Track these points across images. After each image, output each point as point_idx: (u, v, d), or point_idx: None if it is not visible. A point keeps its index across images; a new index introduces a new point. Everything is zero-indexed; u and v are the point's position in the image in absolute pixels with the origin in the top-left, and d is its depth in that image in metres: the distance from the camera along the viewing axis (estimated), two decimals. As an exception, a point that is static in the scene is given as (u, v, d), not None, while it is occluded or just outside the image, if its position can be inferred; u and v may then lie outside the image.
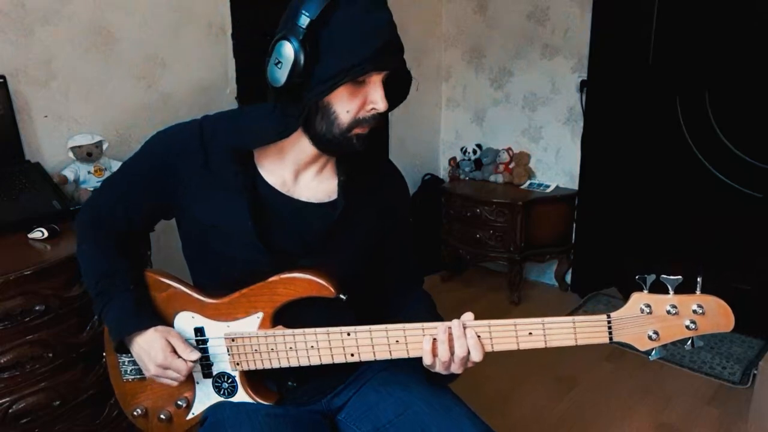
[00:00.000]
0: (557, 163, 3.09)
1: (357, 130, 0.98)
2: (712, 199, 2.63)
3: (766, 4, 2.38)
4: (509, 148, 3.20)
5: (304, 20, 0.89)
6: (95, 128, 1.96)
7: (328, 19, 0.89)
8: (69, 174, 1.83)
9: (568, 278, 3.15)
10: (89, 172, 1.86)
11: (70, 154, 1.86)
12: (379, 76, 0.95)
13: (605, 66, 2.78)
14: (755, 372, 2.06)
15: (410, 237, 1.21)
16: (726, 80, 2.52)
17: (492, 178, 3.18)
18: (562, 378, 2.34)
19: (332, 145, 0.99)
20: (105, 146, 1.91)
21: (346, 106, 0.96)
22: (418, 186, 3.38)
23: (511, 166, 3.17)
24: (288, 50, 0.90)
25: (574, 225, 3.05)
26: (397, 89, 1.02)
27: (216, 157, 1.03)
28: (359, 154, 1.02)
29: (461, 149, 3.32)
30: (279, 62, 0.91)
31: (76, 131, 1.91)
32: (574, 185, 3.02)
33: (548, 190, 3.00)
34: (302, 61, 0.90)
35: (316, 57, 0.91)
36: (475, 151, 3.25)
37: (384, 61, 0.93)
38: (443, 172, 3.52)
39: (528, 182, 3.10)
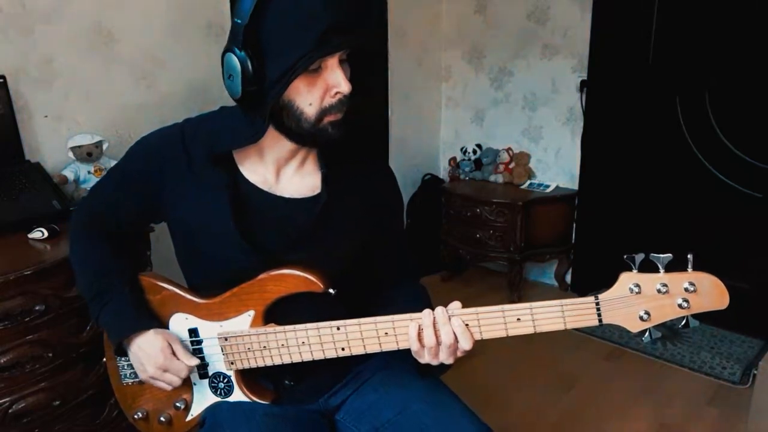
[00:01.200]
0: (557, 163, 3.09)
1: (329, 118, 0.96)
2: (712, 199, 2.63)
3: (766, 4, 2.38)
4: (509, 148, 3.20)
5: (239, 27, 0.88)
6: (95, 128, 1.96)
7: (261, 19, 0.88)
8: (69, 174, 1.84)
9: (568, 278, 3.15)
10: (89, 172, 1.86)
11: (70, 154, 1.86)
12: (334, 59, 0.92)
13: (605, 66, 2.77)
14: (755, 372, 2.05)
15: (403, 231, 1.21)
16: (726, 80, 2.52)
17: (492, 178, 3.18)
18: (562, 377, 2.34)
19: (308, 137, 0.98)
20: (105, 146, 1.91)
21: (307, 99, 0.94)
22: (418, 186, 3.38)
23: (511, 166, 3.17)
24: (234, 61, 0.89)
25: (574, 225, 3.04)
26: (366, 65, 1.00)
27: (198, 160, 1.03)
28: (337, 141, 0.99)
29: (461, 149, 3.31)
30: (231, 75, 0.91)
31: (76, 131, 1.91)
32: (574, 185, 3.01)
33: (548, 190, 3.00)
34: (250, 68, 0.89)
35: (261, 60, 0.89)
36: (475, 151, 3.25)
37: (330, 45, 0.89)
38: (443, 172, 3.52)
39: (528, 182, 3.10)
